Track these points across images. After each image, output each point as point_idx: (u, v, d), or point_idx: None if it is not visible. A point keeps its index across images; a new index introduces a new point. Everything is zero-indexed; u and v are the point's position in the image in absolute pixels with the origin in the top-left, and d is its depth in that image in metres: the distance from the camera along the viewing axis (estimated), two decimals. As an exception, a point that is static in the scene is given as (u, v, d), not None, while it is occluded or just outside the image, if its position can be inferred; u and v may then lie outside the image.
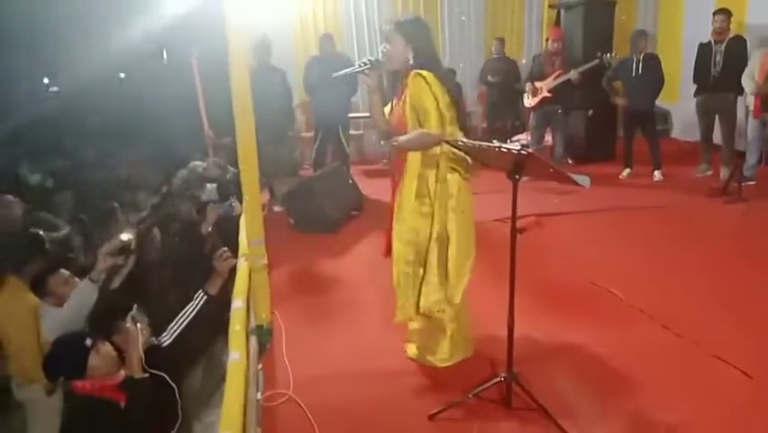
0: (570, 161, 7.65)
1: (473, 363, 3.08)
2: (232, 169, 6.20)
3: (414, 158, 2.80)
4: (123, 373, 2.60)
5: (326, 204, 5.45)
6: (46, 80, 13.23)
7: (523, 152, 2.15)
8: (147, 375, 2.61)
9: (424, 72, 2.67)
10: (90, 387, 2.47)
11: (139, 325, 2.75)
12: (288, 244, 5.22)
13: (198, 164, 6.43)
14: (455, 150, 2.64)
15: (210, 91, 7.57)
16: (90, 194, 5.76)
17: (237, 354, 2.37)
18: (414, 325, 3.11)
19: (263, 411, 2.82)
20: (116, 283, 3.29)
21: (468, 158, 2.71)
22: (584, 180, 2.18)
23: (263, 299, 3.42)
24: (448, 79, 2.82)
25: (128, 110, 10.76)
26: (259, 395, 2.89)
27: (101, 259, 3.13)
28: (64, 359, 2.51)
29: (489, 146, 2.31)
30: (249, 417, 2.64)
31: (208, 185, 6.09)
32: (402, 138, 2.73)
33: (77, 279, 3.20)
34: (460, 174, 2.81)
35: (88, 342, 2.51)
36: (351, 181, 6.23)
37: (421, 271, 2.88)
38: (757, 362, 2.92)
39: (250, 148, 3.21)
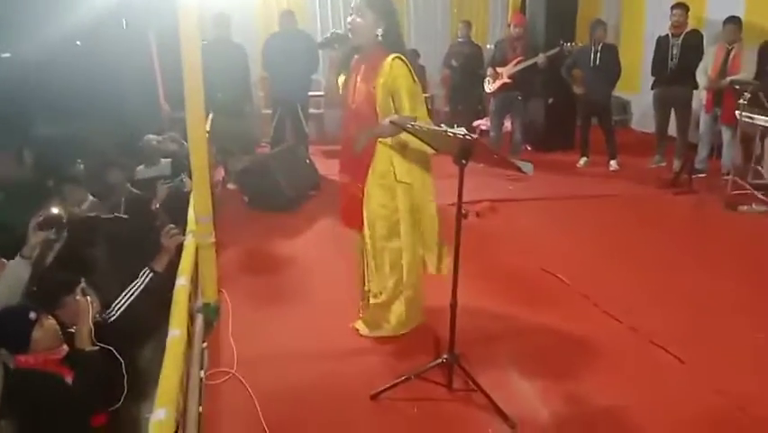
0: (528, 148, 7.73)
1: (419, 343, 3.12)
2: (186, 144, 6.08)
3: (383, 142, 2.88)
4: (65, 347, 2.55)
5: (281, 182, 5.39)
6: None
7: (468, 137, 2.16)
8: (96, 348, 2.58)
9: (402, 56, 2.74)
10: (34, 361, 2.42)
11: (89, 298, 2.72)
12: (241, 222, 5.17)
13: (152, 137, 6.27)
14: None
15: (167, 63, 7.38)
16: (43, 164, 5.58)
17: (177, 331, 2.35)
18: (375, 300, 3.12)
19: (206, 389, 2.80)
20: (50, 258, 3.20)
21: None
22: (527, 167, 2.20)
23: (210, 276, 3.38)
24: (412, 62, 2.87)
25: (84, 79, 10.43)
26: (202, 373, 2.87)
27: (31, 233, 3.03)
28: (7, 332, 2.45)
29: (435, 130, 2.32)
30: (191, 394, 2.63)
31: (162, 160, 5.96)
32: (376, 129, 2.82)
33: (3, 259, 3.08)
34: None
35: (32, 315, 2.45)
36: (308, 161, 6.17)
37: (397, 243, 2.98)
38: (691, 347, 3.02)
39: (199, 124, 3.17)
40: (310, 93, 7.00)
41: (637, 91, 8.58)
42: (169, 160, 5.81)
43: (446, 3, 9.32)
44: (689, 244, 4.62)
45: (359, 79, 2.87)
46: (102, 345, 2.61)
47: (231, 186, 6.10)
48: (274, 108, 6.74)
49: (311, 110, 7.44)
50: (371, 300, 3.13)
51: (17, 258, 2.98)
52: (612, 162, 6.89)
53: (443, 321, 2.75)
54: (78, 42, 12.98)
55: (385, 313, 3.15)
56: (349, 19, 2.81)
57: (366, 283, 3.15)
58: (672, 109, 6.70)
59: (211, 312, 3.37)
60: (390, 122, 2.64)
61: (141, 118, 7.63)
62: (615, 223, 5.14)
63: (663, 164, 6.93)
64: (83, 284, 2.79)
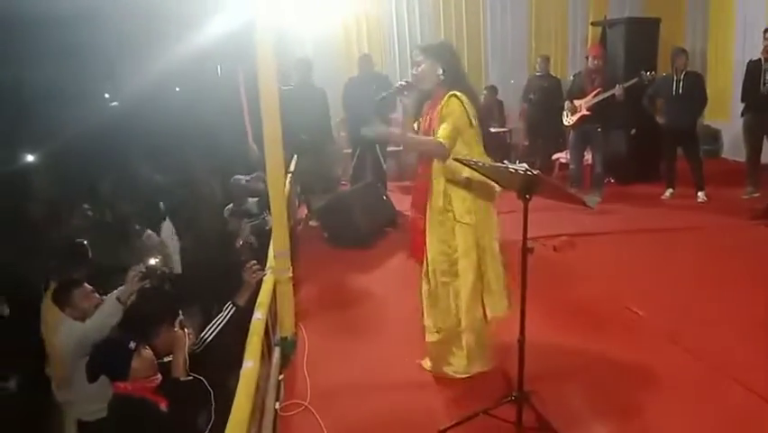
0: (612, 181, 7.55)
1: (491, 379, 3.10)
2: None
3: (438, 174, 2.91)
4: (159, 376, 2.75)
5: (359, 219, 5.53)
6: (107, 95, 13.83)
7: (529, 172, 2.19)
8: (191, 378, 2.76)
9: (458, 93, 2.83)
10: (132, 388, 2.62)
11: (186, 330, 2.92)
12: (320, 258, 5.33)
13: (240, 178, 6.63)
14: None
15: (254, 107, 7.78)
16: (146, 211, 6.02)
17: (251, 362, 2.48)
18: (431, 337, 3.13)
19: (280, 420, 2.91)
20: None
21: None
22: (592, 201, 2.20)
23: (288, 311, 3.52)
24: (476, 98, 2.97)
25: (182, 123, 11.14)
26: (277, 405, 2.99)
27: (129, 281, 3.29)
28: (108, 360, 2.66)
29: (497, 167, 2.37)
30: (265, 425, 2.75)
31: (250, 199, 6.28)
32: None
33: (97, 294, 3.35)
34: None
35: (132, 345, 2.66)
36: (384, 198, 6.29)
37: (456, 282, 2.96)
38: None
39: (278, 165, 3.34)
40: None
41: (727, 119, 8.22)
42: (256, 199, 6.12)
43: (524, 37, 9.34)
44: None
45: (428, 118, 2.99)
46: (194, 375, 2.79)
47: (313, 223, 6.30)
48: (354, 148, 6.95)
49: (389, 148, 7.61)
50: (428, 337, 3.12)
51: (112, 300, 3.24)
52: (699, 194, 6.60)
53: (513, 357, 2.74)
54: (177, 89, 13.94)
55: (446, 354, 3.14)
56: (412, 71, 2.97)
57: (424, 318, 3.16)
58: (765, 137, 6.39)
59: (288, 346, 3.50)
60: (454, 159, 2.71)
61: (233, 159, 8.08)
62: (701, 256, 4.90)
63: (757, 195, 6.56)
64: (181, 317, 3.00)
